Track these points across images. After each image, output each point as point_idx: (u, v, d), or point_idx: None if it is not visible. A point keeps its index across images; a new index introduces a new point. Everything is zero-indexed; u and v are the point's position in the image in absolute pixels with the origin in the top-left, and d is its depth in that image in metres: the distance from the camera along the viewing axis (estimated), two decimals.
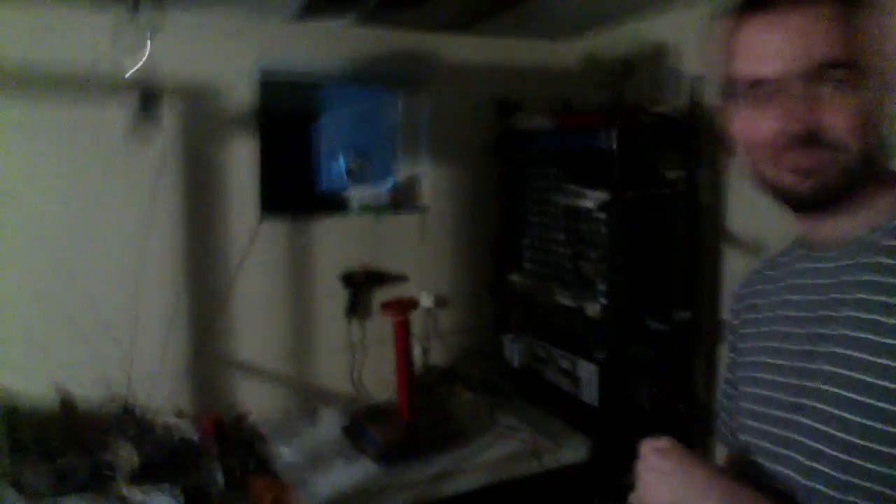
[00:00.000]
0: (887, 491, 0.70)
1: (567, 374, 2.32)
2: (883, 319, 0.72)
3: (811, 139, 0.75)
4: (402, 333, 2.14)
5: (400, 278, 2.57)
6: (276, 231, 2.39)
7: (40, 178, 2.08)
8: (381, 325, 2.55)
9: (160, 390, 2.21)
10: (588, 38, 2.69)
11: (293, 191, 2.52)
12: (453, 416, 2.31)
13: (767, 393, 0.87)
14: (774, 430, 0.84)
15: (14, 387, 2.02)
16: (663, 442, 0.85)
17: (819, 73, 0.74)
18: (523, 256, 2.60)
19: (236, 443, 2.07)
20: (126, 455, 1.96)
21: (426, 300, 2.59)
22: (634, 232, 2.13)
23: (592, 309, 2.18)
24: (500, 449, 2.16)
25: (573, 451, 2.17)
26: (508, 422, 2.35)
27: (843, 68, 0.74)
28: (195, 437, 2.07)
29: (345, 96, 2.60)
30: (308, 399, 2.43)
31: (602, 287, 2.17)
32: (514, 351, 2.61)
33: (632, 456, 0.87)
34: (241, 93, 2.30)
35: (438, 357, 2.67)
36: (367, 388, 2.52)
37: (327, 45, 2.42)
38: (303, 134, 2.51)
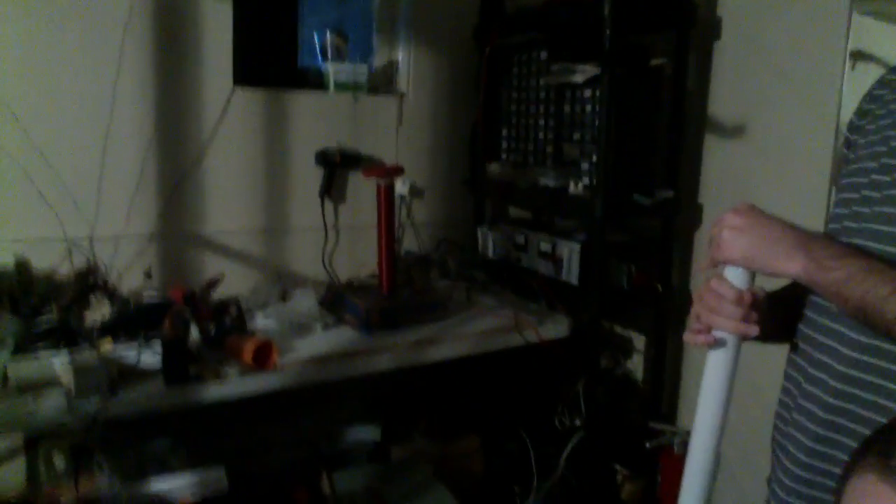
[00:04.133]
0: None
1: (546, 257, 2.31)
2: None
3: None
4: (387, 198, 2.08)
5: (376, 162, 2.50)
6: (250, 102, 2.27)
7: None
8: (354, 208, 2.49)
9: (124, 256, 2.10)
10: None
11: (271, 62, 2.39)
12: (434, 290, 2.27)
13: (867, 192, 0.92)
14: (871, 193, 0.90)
15: None
16: (742, 204, 0.91)
17: None
18: (502, 146, 2.57)
19: (210, 307, 1.97)
20: (97, 311, 1.85)
21: (401, 186, 2.53)
22: (621, 110, 2.10)
23: (576, 187, 2.17)
24: (482, 323, 2.14)
25: (554, 327, 2.17)
26: (488, 302, 2.33)
27: None
28: (164, 302, 1.97)
29: None
30: (279, 278, 2.35)
31: (586, 167, 2.16)
32: (489, 240, 2.58)
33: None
34: None
35: (412, 247, 2.63)
36: (338, 271, 2.45)
37: None
38: (285, 5, 2.39)
